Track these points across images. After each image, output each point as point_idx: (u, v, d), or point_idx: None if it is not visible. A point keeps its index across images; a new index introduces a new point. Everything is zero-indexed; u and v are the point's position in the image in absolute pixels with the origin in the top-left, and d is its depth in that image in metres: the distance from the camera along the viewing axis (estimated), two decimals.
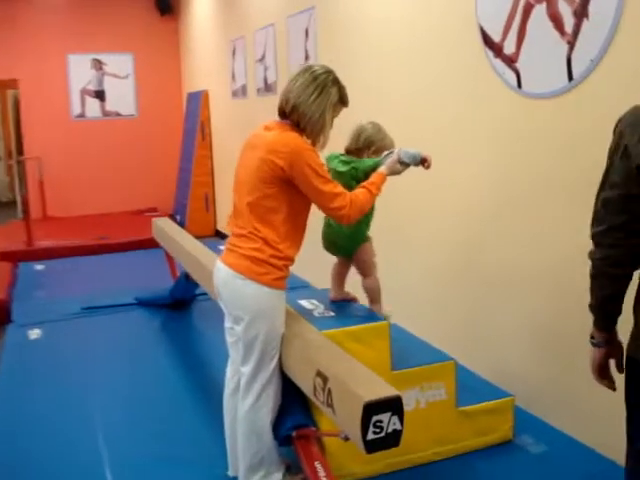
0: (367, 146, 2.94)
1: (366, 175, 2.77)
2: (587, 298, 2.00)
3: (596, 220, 1.85)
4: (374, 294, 3.05)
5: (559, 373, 3.14)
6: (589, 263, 1.89)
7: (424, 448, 2.93)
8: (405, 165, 2.75)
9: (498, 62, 3.33)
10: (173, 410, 3.56)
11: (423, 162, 2.77)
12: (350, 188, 2.68)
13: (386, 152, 2.81)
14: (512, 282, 3.38)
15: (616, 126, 1.88)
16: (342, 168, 2.84)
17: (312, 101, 2.50)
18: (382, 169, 2.71)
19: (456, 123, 3.73)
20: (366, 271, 3.04)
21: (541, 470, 2.87)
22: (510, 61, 3.26)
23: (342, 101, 2.62)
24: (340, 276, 3.13)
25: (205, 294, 4.11)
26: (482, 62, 3.43)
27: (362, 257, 3.02)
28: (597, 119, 2.82)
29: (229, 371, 2.84)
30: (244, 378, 2.63)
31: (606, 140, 2.74)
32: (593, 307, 1.96)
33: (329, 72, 2.58)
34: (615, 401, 2.06)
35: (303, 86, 2.51)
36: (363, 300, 3.09)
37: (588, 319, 2.68)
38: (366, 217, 2.88)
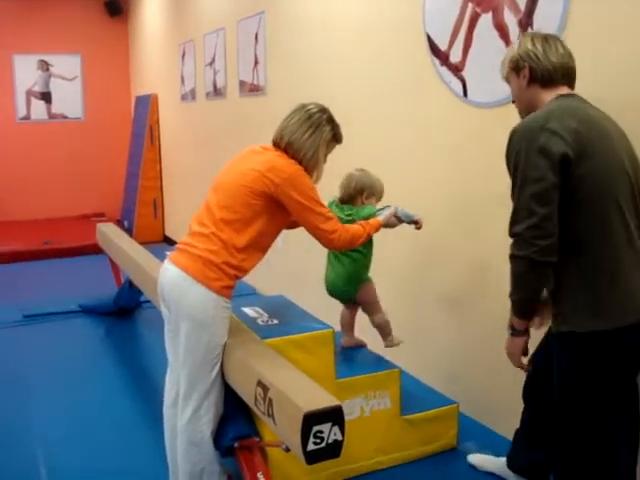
0: (359, 192, 3.10)
1: None
2: None
3: (523, 216, 2.03)
4: (384, 330, 3.19)
5: (502, 380, 3.16)
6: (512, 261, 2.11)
7: (369, 457, 2.91)
8: (400, 221, 2.93)
9: (444, 70, 3.34)
10: (115, 421, 3.48)
11: (415, 222, 2.96)
12: None
13: (384, 206, 2.99)
14: (457, 293, 3.39)
15: (513, 133, 2.14)
16: (341, 214, 3.01)
17: (306, 138, 2.59)
18: (379, 218, 2.87)
19: (403, 131, 3.74)
20: (371, 311, 3.17)
21: (485, 477, 2.87)
22: (456, 70, 3.27)
23: (336, 139, 2.72)
24: (349, 323, 3.26)
25: (149, 301, 4.03)
26: (429, 70, 3.44)
27: (364, 299, 3.16)
28: None
29: (168, 381, 2.78)
30: (183, 387, 2.57)
31: None
32: (521, 301, 2.19)
33: (323, 111, 2.67)
34: None
35: (298, 124, 2.61)
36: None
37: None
38: (364, 259, 3.10)
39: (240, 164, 2.65)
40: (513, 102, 2.41)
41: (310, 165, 2.62)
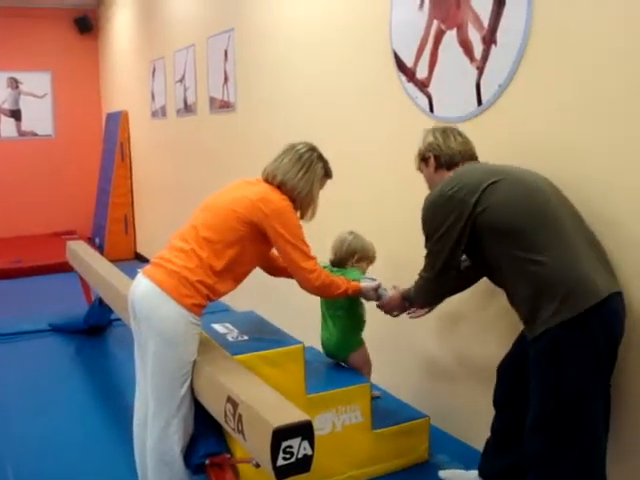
0: (351, 255, 3.15)
1: None
2: (495, 324, 2.10)
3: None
4: None
5: (473, 393, 3.18)
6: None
7: (341, 471, 2.91)
8: (377, 298, 2.98)
9: (411, 86, 3.38)
10: (86, 439, 3.45)
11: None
12: (352, 303, 3.07)
13: (371, 277, 3.05)
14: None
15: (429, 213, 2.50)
16: None
17: (300, 178, 2.68)
18: (361, 284, 2.92)
19: (370, 146, 3.77)
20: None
21: None
22: (422, 85, 3.31)
23: (327, 175, 2.82)
24: None
25: (120, 320, 4.01)
26: (396, 86, 3.48)
27: (354, 364, 3.15)
28: (504, 142, 2.89)
29: (137, 400, 2.76)
30: (152, 405, 2.56)
31: (514, 161, 2.83)
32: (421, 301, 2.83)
33: (313, 149, 2.77)
34: None
35: (290, 164, 2.69)
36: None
37: (502, 343, 2.74)
38: (355, 325, 3.15)
39: (233, 191, 2.70)
40: (429, 188, 2.71)
41: (305, 202, 2.72)
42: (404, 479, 2.99)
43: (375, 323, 3.32)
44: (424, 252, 2.56)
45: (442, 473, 2.97)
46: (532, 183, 2.38)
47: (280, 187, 2.68)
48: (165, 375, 2.50)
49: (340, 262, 3.16)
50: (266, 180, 2.72)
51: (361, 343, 3.17)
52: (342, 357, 3.16)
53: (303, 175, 2.69)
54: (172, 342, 2.49)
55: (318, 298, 4.29)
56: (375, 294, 2.96)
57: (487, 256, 2.38)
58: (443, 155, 2.60)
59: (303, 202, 2.72)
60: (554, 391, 2.20)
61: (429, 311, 3.03)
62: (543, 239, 2.22)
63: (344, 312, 3.12)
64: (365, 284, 2.94)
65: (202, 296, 2.52)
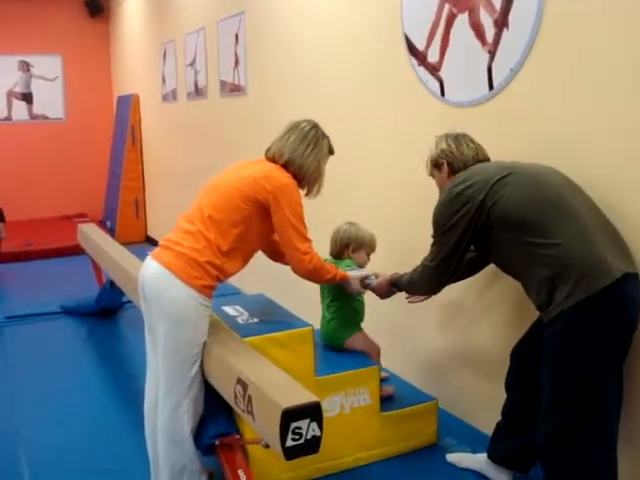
0: (345, 245, 3.17)
1: None
2: (500, 308, 2.10)
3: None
4: None
5: (481, 376, 3.20)
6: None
7: (349, 453, 2.94)
8: (364, 285, 3.01)
9: (422, 70, 3.37)
10: (98, 421, 3.48)
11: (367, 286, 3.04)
12: (334, 290, 3.10)
13: (363, 269, 3.08)
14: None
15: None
16: None
17: (307, 155, 2.71)
18: (348, 273, 2.96)
19: (382, 130, 3.77)
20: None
21: (464, 473, 2.90)
22: (434, 69, 3.30)
23: (330, 151, 2.84)
24: None
25: (131, 302, 4.04)
26: (407, 70, 3.47)
27: (353, 348, 3.14)
28: (516, 127, 2.88)
29: (148, 382, 2.79)
30: (162, 385, 2.58)
31: (525, 146, 2.82)
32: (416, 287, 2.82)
33: (316, 126, 2.79)
34: None
35: (296, 142, 2.71)
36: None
37: (508, 327, 2.74)
38: (349, 316, 3.15)
39: (238, 170, 2.72)
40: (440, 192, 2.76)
41: (312, 179, 2.75)
42: (412, 461, 3.01)
43: (384, 307, 3.33)
44: (430, 240, 2.57)
45: (450, 456, 2.99)
46: (542, 176, 2.41)
47: (286, 166, 2.70)
48: (176, 356, 2.53)
49: (337, 253, 3.18)
50: (271, 159, 2.74)
51: (351, 334, 3.15)
52: (336, 345, 3.15)
53: (311, 152, 2.72)
54: (182, 324, 2.51)
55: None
56: (362, 283, 2.99)
57: (502, 249, 2.41)
58: (457, 161, 2.66)
59: (310, 179, 2.75)
60: (567, 373, 2.22)
61: (426, 298, 3.06)
62: (556, 225, 2.24)
63: (337, 303, 3.14)
64: (352, 273, 2.97)
65: (211, 277, 2.54)
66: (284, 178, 2.64)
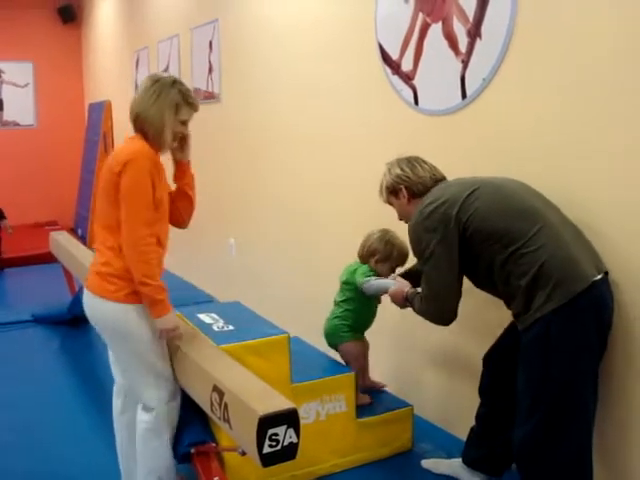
0: (371, 254, 3.10)
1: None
2: (475, 317, 2.12)
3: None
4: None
5: (454, 383, 3.22)
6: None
7: (325, 460, 2.94)
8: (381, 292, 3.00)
9: (396, 79, 3.40)
10: (68, 430, 3.45)
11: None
12: (351, 291, 3.08)
13: (386, 282, 2.97)
14: None
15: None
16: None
17: (151, 105, 2.45)
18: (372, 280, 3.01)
19: (355, 138, 3.79)
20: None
21: (439, 478, 2.92)
22: (407, 78, 3.33)
23: (188, 102, 2.52)
24: (361, 363, 3.22)
25: None
26: (381, 78, 3.50)
27: (342, 356, 3.16)
28: (488, 135, 2.92)
29: (115, 389, 2.78)
30: (132, 397, 2.59)
31: (497, 155, 2.86)
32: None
33: (169, 76, 2.56)
34: None
35: (143, 93, 2.48)
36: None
37: (482, 335, 2.77)
38: (351, 317, 3.12)
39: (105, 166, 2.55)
40: (400, 219, 2.78)
41: (157, 132, 2.47)
42: (388, 468, 3.02)
43: None
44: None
45: (425, 462, 3.01)
46: (507, 187, 2.44)
47: (139, 125, 2.48)
48: (131, 368, 2.53)
49: (362, 259, 3.14)
50: (131, 120, 2.52)
51: (349, 338, 3.14)
52: (330, 343, 3.17)
53: (154, 102, 2.44)
54: (122, 337, 2.48)
55: (305, 289, 4.33)
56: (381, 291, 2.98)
57: (479, 264, 2.40)
58: (414, 185, 2.63)
59: (156, 132, 2.46)
60: (545, 378, 2.24)
61: None
62: (530, 232, 2.26)
63: (348, 304, 3.13)
64: (374, 281, 2.98)
65: (130, 281, 2.41)
66: (128, 154, 2.40)
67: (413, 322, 3.44)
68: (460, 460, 2.85)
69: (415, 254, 2.54)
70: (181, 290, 5.78)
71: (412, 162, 2.68)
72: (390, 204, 2.77)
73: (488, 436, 2.72)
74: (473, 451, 2.80)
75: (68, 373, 4.29)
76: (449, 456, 2.98)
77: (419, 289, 2.67)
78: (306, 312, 4.25)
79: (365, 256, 3.12)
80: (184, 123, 2.58)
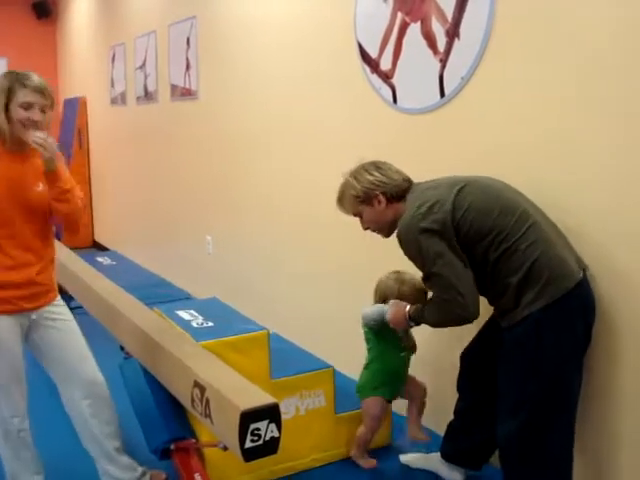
0: (383, 299, 2.87)
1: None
2: None
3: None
4: (358, 445, 3.01)
5: (432, 379, 3.25)
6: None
7: (305, 455, 2.96)
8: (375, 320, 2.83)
9: (375, 77, 3.43)
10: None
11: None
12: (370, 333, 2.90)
13: (378, 308, 2.83)
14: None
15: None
16: None
17: None
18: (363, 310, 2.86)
19: (334, 135, 3.81)
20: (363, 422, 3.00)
21: (417, 472, 2.95)
22: (386, 77, 3.36)
23: (22, 84, 2.42)
24: (407, 414, 3.07)
25: (81, 307, 3.98)
26: (360, 77, 3.52)
27: (364, 412, 2.98)
28: (466, 134, 2.96)
29: None
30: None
31: (475, 153, 2.89)
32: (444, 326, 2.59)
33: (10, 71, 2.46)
34: None
35: None
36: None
37: (458, 334, 2.79)
38: (388, 375, 2.91)
39: None
40: (368, 229, 2.67)
41: None
42: None
43: (339, 306, 3.36)
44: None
45: (403, 457, 3.04)
46: (491, 185, 2.45)
47: None
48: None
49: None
50: None
51: (369, 394, 2.95)
52: (358, 396, 3.01)
53: None
54: None
55: (283, 286, 4.34)
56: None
57: (470, 261, 2.36)
58: (390, 188, 2.54)
59: None
60: (534, 375, 2.27)
61: None
62: (522, 230, 2.28)
63: (372, 352, 2.98)
64: (365, 310, 2.84)
65: None
66: None
67: None
68: (439, 454, 2.88)
69: (418, 260, 2.41)
70: (158, 287, 5.78)
71: (379, 166, 2.60)
72: (357, 214, 2.64)
73: (467, 431, 2.76)
74: (452, 445, 2.84)
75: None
76: (427, 451, 3.01)
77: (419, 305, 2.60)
78: (283, 309, 4.27)
79: (379, 301, 2.89)
80: (27, 107, 2.40)
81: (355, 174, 2.60)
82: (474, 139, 2.93)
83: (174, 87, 5.81)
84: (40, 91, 2.43)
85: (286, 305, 4.26)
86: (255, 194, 4.70)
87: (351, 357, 3.40)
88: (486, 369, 2.53)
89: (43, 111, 2.45)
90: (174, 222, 6.08)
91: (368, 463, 3.01)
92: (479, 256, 2.34)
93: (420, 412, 3.01)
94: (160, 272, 6.30)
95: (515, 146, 2.71)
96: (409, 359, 3.00)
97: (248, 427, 2.03)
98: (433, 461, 2.89)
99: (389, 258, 3.38)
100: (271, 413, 2.07)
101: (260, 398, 2.12)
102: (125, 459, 2.69)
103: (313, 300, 4.11)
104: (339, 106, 3.76)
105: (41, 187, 2.48)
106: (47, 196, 2.48)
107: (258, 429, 2.04)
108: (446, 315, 2.42)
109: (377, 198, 2.55)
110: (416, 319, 2.60)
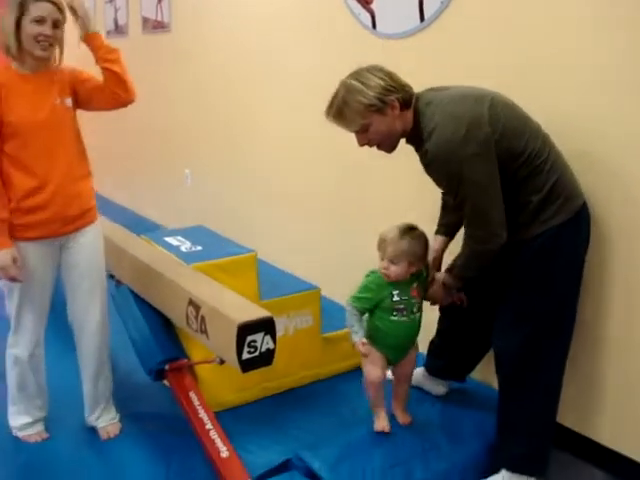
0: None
1: None
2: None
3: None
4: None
5: None
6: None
7: (293, 372, 3.04)
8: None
9: (354, 3, 3.41)
10: None
11: None
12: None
13: None
14: (372, 219, 3.53)
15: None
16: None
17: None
18: None
19: (313, 63, 3.81)
20: None
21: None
22: (365, 2, 3.35)
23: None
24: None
25: None
26: (338, 3, 3.51)
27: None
28: (446, 59, 2.98)
29: None
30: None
31: (456, 78, 2.91)
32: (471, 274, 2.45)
33: None
34: None
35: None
36: None
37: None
38: (377, 333, 2.63)
39: None
40: (375, 145, 2.39)
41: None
42: (351, 379, 3.12)
43: (323, 237, 3.39)
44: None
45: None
46: (515, 105, 2.35)
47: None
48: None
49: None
50: None
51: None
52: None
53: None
54: None
55: (263, 211, 4.37)
56: None
57: (502, 183, 2.24)
58: (404, 93, 2.30)
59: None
60: (546, 286, 2.31)
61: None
62: (546, 152, 2.28)
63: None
64: None
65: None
66: None
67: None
68: (422, 369, 2.98)
69: (460, 187, 2.21)
70: (135, 224, 5.78)
71: (385, 70, 2.32)
72: (364, 127, 2.32)
73: (450, 348, 2.84)
74: (435, 361, 2.92)
75: None
76: None
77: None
78: (265, 234, 4.33)
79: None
80: (40, 22, 2.31)
81: (361, 79, 2.29)
82: (454, 62, 2.95)
83: (146, 20, 5.71)
84: (54, 3, 2.33)
85: (267, 230, 4.32)
86: (230, 125, 4.70)
87: (335, 280, 3.48)
88: (469, 289, 2.58)
89: (56, 26, 2.36)
90: (151, 158, 6.05)
91: (403, 418, 2.75)
92: (507, 176, 2.24)
93: (406, 395, 2.79)
94: (137, 209, 6.30)
95: (496, 69, 2.73)
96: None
97: (245, 339, 2.12)
98: (417, 376, 2.99)
99: (377, 180, 3.43)
100: (266, 325, 2.16)
101: (255, 312, 2.20)
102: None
103: (297, 224, 4.17)
104: (317, 32, 3.74)
105: (59, 101, 2.45)
106: (68, 110, 2.50)
107: (254, 341, 2.13)
108: (485, 255, 2.32)
109: (390, 105, 2.26)
110: (458, 281, 2.50)
